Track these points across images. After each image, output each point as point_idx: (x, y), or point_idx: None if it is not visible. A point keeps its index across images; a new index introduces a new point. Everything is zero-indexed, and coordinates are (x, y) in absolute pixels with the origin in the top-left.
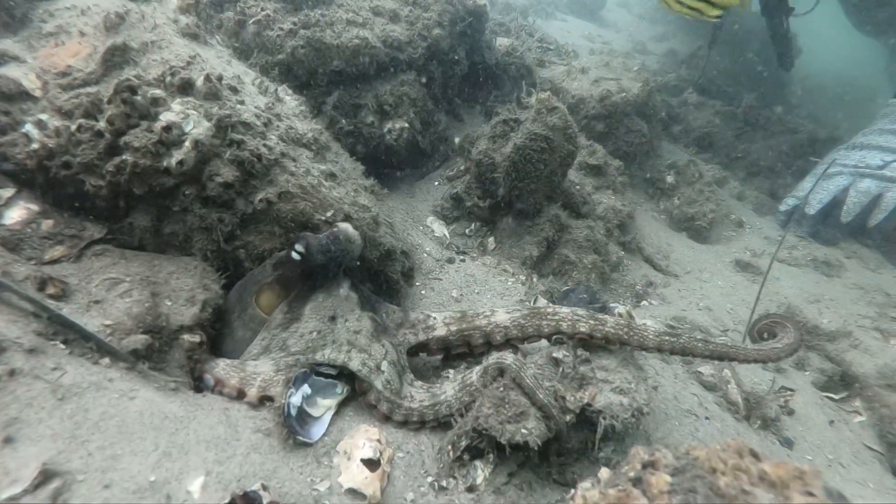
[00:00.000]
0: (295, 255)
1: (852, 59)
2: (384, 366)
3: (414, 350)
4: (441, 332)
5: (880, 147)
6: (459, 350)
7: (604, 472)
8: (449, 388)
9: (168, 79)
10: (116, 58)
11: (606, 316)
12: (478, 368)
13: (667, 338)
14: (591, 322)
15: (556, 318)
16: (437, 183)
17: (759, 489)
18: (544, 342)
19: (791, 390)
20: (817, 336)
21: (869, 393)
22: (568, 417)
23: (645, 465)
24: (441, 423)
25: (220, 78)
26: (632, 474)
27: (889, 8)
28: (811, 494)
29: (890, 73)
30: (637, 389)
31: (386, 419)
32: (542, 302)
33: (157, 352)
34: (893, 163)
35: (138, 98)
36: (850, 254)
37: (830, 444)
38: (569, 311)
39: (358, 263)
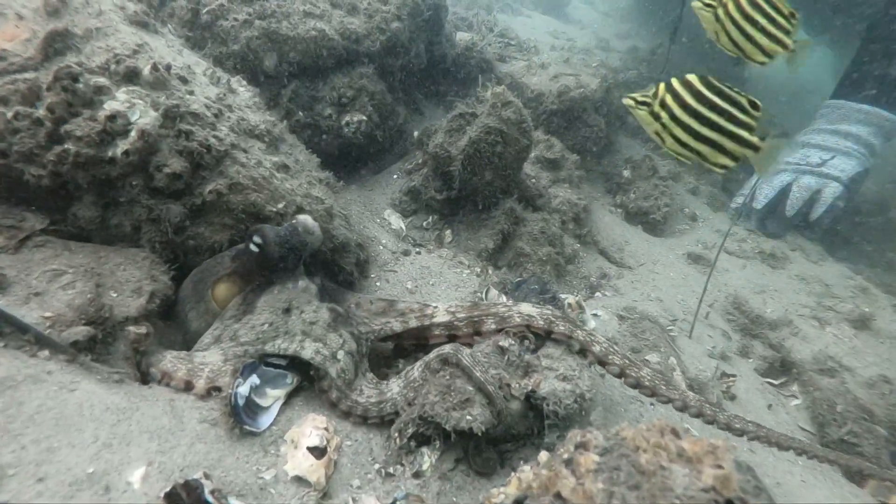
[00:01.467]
0: (253, 248)
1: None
2: (340, 355)
3: (403, 338)
4: (444, 318)
5: (819, 146)
6: (465, 340)
7: (542, 456)
8: (395, 385)
9: (113, 67)
10: (57, 44)
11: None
12: (419, 364)
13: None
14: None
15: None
16: (395, 176)
17: (676, 465)
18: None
19: (733, 376)
20: (760, 325)
21: (805, 378)
22: (513, 405)
23: (577, 447)
24: (384, 421)
25: (168, 67)
26: (565, 456)
27: (844, 17)
28: (720, 467)
29: (836, 76)
30: (580, 376)
31: (333, 406)
32: (493, 293)
33: (100, 343)
34: (831, 160)
35: (80, 86)
36: (795, 246)
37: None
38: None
39: (309, 258)
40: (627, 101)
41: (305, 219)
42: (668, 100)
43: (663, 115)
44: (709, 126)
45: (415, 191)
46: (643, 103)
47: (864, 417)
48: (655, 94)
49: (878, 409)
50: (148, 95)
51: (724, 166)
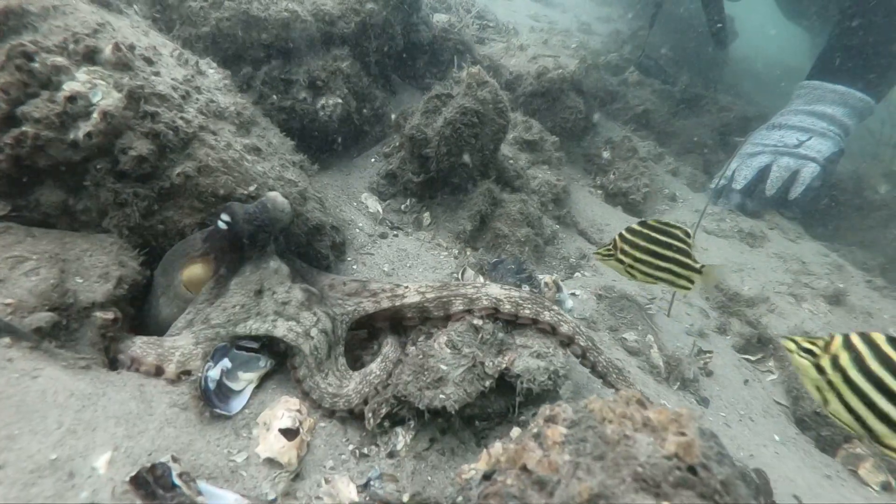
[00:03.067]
0: (221, 225)
1: (781, 46)
2: (314, 332)
3: (376, 320)
4: (414, 299)
5: (795, 127)
6: (436, 323)
7: (514, 431)
8: (351, 382)
9: (71, 46)
10: (12, 21)
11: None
12: (378, 360)
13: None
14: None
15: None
16: (373, 160)
17: (640, 434)
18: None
19: (710, 353)
20: (738, 302)
21: (780, 353)
22: (487, 383)
23: (546, 420)
24: (331, 413)
25: (131, 47)
26: (535, 430)
27: (818, 2)
28: (683, 434)
29: (812, 58)
30: (555, 353)
31: (298, 383)
32: (469, 273)
33: (64, 330)
34: (807, 141)
35: (36, 65)
36: (773, 225)
37: (744, 402)
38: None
39: (282, 240)
40: (787, 345)
41: (275, 195)
42: (843, 359)
43: (833, 377)
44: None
45: (392, 174)
46: (806, 350)
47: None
48: (826, 347)
49: None
50: (110, 76)
51: None
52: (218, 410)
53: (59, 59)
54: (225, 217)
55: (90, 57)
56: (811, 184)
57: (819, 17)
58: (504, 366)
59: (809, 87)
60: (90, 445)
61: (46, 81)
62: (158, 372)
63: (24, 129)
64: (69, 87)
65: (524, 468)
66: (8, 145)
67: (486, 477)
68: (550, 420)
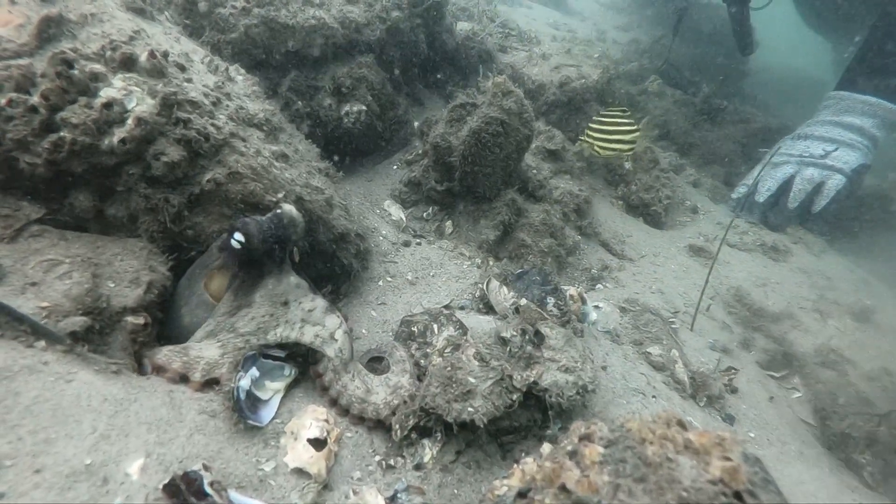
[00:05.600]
0: (234, 244)
1: (803, 55)
2: (338, 334)
3: None
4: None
5: (822, 137)
6: None
7: (545, 447)
8: (381, 391)
9: (108, 53)
10: (52, 29)
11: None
12: (408, 376)
13: None
14: None
15: None
16: (395, 167)
17: (682, 456)
18: (489, 325)
19: (735, 369)
20: (763, 318)
21: (806, 370)
22: (515, 396)
23: (581, 438)
24: (360, 420)
25: (165, 54)
26: (569, 448)
27: (841, 10)
28: (728, 459)
29: (834, 68)
30: (583, 368)
31: (323, 391)
32: (494, 284)
33: (97, 334)
34: (833, 152)
35: (75, 72)
36: (797, 239)
37: (769, 420)
38: None
39: (306, 246)
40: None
41: (290, 209)
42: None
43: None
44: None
45: (415, 181)
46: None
47: (866, 410)
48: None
49: (880, 403)
50: (145, 83)
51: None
52: (251, 422)
53: (97, 66)
54: (238, 237)
55: (126, 64)
56: (836, 196)
57: (844, 27)
58: (532, 379)
59: (837, 98)
60: (123, 451)
61: (85, 88)
62: (183, 380)
63: (61, 134)
64: (106, 93)
65: (563, 488)
66: (46, 150)
67: (522, 495)
68: (586, 438)
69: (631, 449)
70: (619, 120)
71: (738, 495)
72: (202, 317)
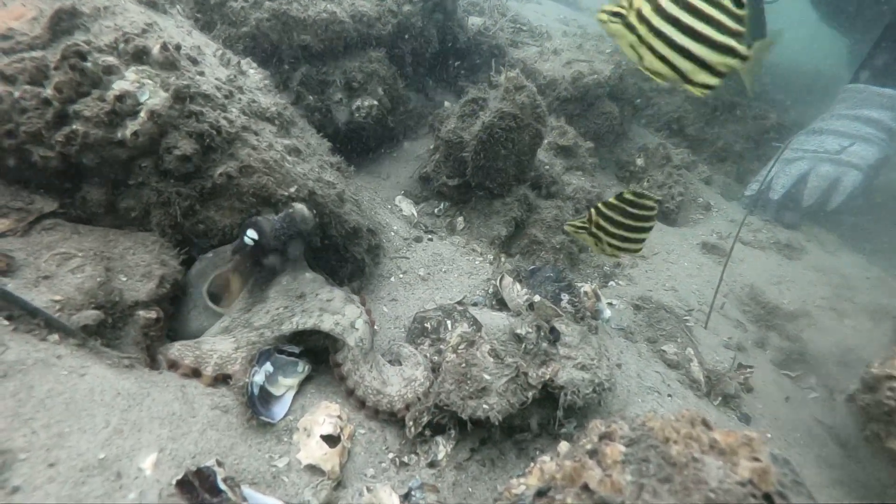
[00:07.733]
0: (248, 241)
1: (817, 51)
2: (359, 324)
3: None
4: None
5: (837, 132)
6: None
7: (563, 446)
8: (395, 383)
9: (121, 46)
10: (64, 22)
11: None
12: (422, 369)
13: None
14: None
15: None
16: (406, 162)
17: (708, 457)
18: (503, 321)
19: (751, 368)
20: (777, 316)
21: (822, 370)
22: (530, 394)
23: (601, 437)
24: (375, 413)
25: (178, 47)
26: (589, 446)
27: (858, 5)
28: (757, 460)
29: (850, 63)
30: (599, 366)
31: (341, 380)
32: (507, 280)
33: (110, 328)
34: (850, 147)
35: (88, 65)
36: (811, 237)
37: (785, 419)
38: None
39: (317, 242)
40: (600, 16)
41: (301, 208)
42: (646, 9)
43: (640, 27)
44: (692, 36)
45: (426, 177)
46: (616, 14)
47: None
48: (630, 4)
49: None
50: (158, 75)
51: (707, 86)
52: (264, 418)
53: (110, 59)
54: (252, 234)
55: (139, 57)
56: (852, 193)
57: (859, 20)
58: (548, 377)
59: (854, 91)
60: (136, 446)
61: (98, 80)
62: (195, 374)
63: (74, 126)
64: (118, 86)
65: (585, 487)
66: (59, 143)
67: (541, 494)
68: (607, 437)
69: (654, 448)
70: (640, 211)
71: (767, 497)
72: (209, 318)
